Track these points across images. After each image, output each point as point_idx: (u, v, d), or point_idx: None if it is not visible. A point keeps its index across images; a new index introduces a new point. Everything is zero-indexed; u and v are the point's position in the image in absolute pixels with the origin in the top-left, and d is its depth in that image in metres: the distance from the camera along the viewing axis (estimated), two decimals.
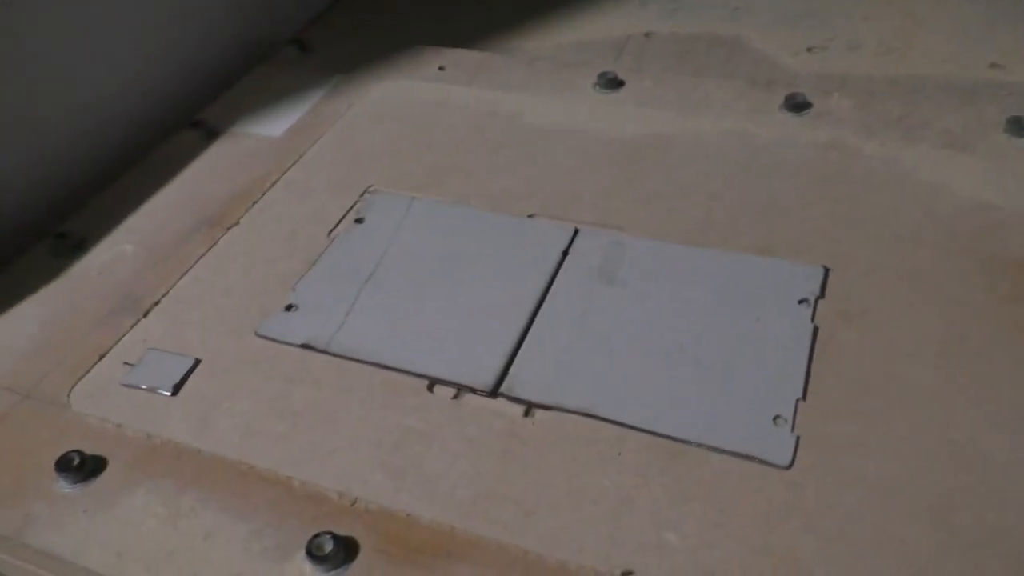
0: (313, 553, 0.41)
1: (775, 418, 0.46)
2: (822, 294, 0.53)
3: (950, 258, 0.54)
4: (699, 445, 0.45)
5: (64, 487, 0.46)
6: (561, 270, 0.56)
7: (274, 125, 0.73)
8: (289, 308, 0.55)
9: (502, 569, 0.41)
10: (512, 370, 0.50)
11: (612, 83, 0.73)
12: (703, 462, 0.44)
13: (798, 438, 0.45)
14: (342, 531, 0.42)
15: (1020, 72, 0.74)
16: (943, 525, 0.41)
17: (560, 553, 0.41)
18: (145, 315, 0.56)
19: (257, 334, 0.54)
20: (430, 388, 0.49)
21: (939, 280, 0.53)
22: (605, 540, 0.41)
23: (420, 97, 0.75)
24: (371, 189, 0.65)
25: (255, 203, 0.64)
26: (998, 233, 0.56)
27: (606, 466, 0.45)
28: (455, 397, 0.49)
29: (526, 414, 0.48)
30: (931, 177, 0.60)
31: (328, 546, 0.41)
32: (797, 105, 0.68)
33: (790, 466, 0.44)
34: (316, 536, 0.41)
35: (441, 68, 0.78)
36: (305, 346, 0.52)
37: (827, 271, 0.54)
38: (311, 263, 0.58)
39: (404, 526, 0.43)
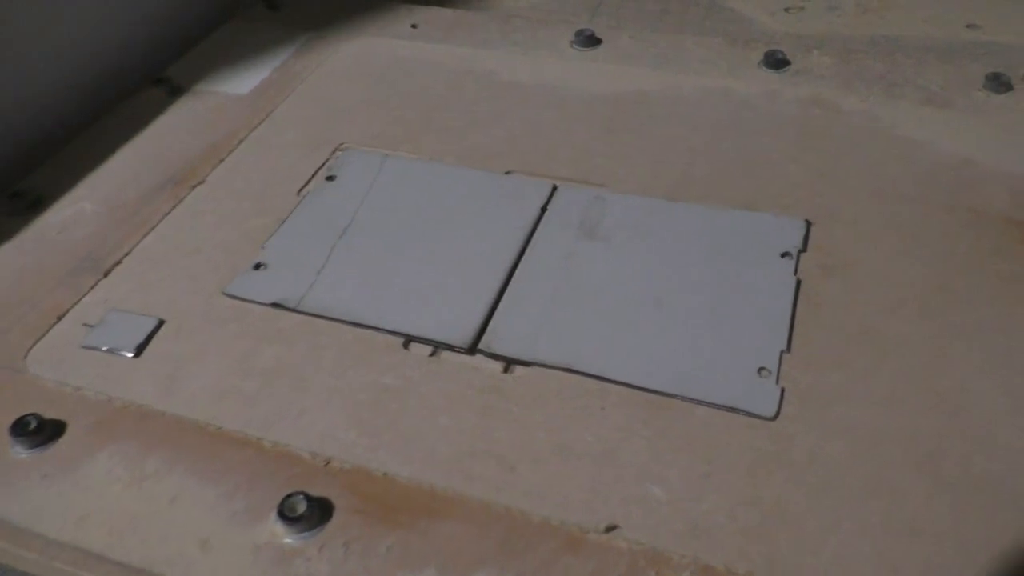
0: (285, 514, 0.39)
1: (760, 370, 0.45)
2: (804, 247, 0.52)
3: (932, 212, 0.54)
4: (683, 398, 0.44)
5: (20, 452, 0.43)
6: (540, 226, 0.55)
7: (242, 82, 0.70)
8: (258, 267, 0.53)
9: (484, 527, 0.39)
10: (491, 326, 0.48)
11: (589, 40, 0.71)
12: (687, 415, 0.43)
13: (783, 389, 0.44)
14: (316, 492, 0.40)
15: (996, 32, 0.74)
16: (931, 473, 0.40)
17: (544, 509, 0.40)
18: (106, 275, 0.53)
19: (224, 293, 0.51)
20: (405, 345, 0.48)
21: (921, 233, 0.52)
22: (589, 495, 0.40)
23: (393, 54, 0.72)
24: (343, 147, 0.63)
25: (222, 161, 0.62)
26: (977, 187, 0.55)
27: (588, 421, 0.43)
28: (432, 355, 0.47)
29: (505, 370, 0.46)
30: (912, 133, 0.60)
31: (301, 507, 0.39)
32: (776, 62, 0.67)
33: (775, 417, 0.43)
34: (288, 497, 0.40)
35: (414, 26, 0.76)
36: (275, 305, 0.50)
37: (809, 224, 0.53)
38: (281, 221, 0.56)
39: (381, 485, 0.41)
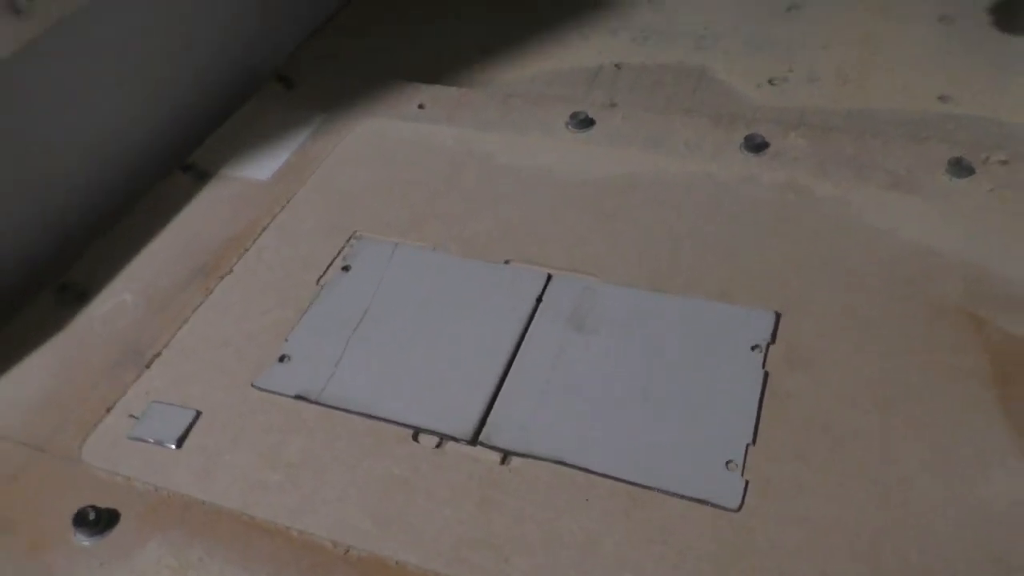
0: None
1: (727, 463, 0.51)
2: (773, 339, 0.57)
3: (892, 303, 0.59)
4: (658, 490, 0.50)
5: (82, 540, 0.50)
6: (536, 316, 0.61)
7: (263, 167, 0.76)
8: (282, 359, 0.59)
9: None
10: (490, 418, 0.54)
11: (584, 123, 0.76)
12: (662, 506, 0.49)
13: (747, 482, 0.50)
14: None
15: (966, 104, 0.79)
16: (872, 564, 0.46)
17: None
18: (148, 367, 0.60)
19: (254, 386, 0.58)
20: (415, 437, 0.54)
21: (881, 326, 0.58)
22: None
23: (401, 136, 0.78)
24: (357, 235, 0.69)
25: (247, 250, 0.68)
26: (936, 278, 0.60)
27: (575, 511, 0.49)
28: (438, 446, 0.54)
29: (503, 461, 0.52)
30: (877, 220, 0.65)
31: None
32: (756, 146, 0.72)
33: (739, 509, 0.49)
34: None
35: (421, 106, 0.81)
36: (298, 397, 0.57)
37: (779, 316, 0.59)
38: (302, 312, 0.62)
39: (395, 573, 0.47)
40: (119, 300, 0.65)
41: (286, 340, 0.61)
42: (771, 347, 0.57)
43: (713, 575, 0.46)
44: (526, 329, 0.60)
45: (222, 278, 0.66)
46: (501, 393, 0.56)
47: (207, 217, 0.72)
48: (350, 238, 0.68)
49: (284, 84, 0.86)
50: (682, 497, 0.49)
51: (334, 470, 0.53)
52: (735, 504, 0.49)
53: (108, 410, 0.57)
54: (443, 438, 0.54)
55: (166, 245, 0.70)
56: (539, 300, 0.62)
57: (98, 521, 0.50)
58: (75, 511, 0.51)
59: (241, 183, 0.75)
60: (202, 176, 0.76)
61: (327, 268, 0.66)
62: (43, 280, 0.67)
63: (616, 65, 0.88)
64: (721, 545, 0.47)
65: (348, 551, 0.49)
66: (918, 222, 0.65)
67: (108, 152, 0.75)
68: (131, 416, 0.57)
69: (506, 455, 0.53)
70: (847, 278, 0.61)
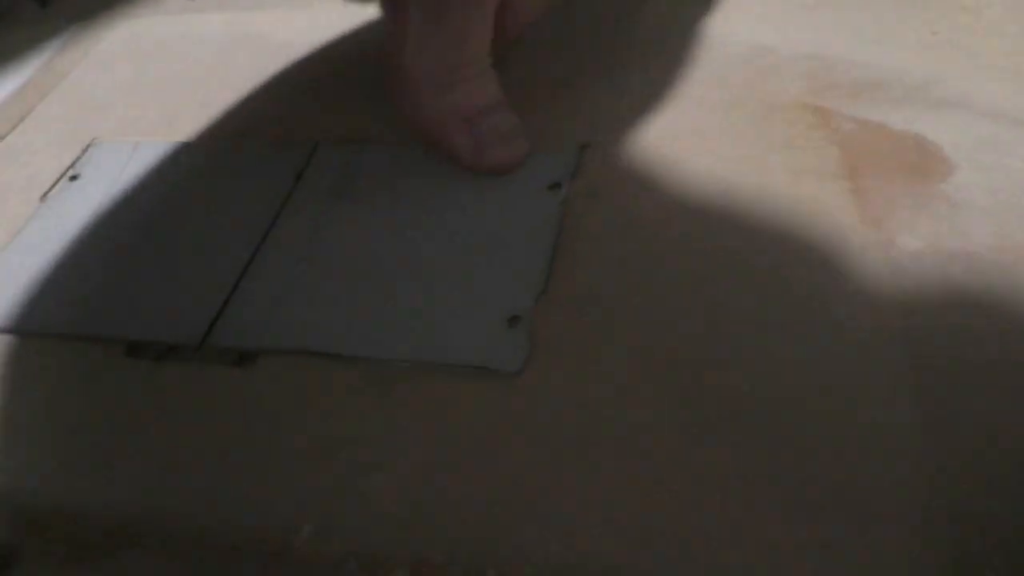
0: None
1: (510, 319, 0.40)
2: (575, 175, 0.46)
3: (720, 112, 0.48)
4: (422, 364, 0.39)
5: None
6: (293, 195, 0.49)
7: None
8: None
9: (177, 553, 0.34)
10: (223, 317, 0.43)
11: None
12: (429, 384, 0.38)
13: (532, 340, 0.39)
14: None
15: None
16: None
17: (247, 522, 0.35)
18: None
19: None
20: (128, 353, 0.42)
21: (709, 137, 0.46)
22: (300, 497, 0.35)
23: (163, 33, 0.66)
24: (95, 142, 0.56)
25: None
26: (774, 76, 0.49)
27: (321, 406, 0.38)
28: (157, 358, 0.42)
29: (238, 363, 0.41)
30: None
31: None
32: None
33: (520, 372, 0.38)
34: None
35: None
36: None
37: (583, 148, 0.47)
38: (14, 235, 0.50)
39: (72, 524, 0.36)
40: None
41: None
42: (573, 183, 0.46)
43: (489, 457, 0.35)
44: (279, 211, 0.48)
45: None
46: (240, 287, 0.44)
47: None
48: (88, 147, 0.56)
49: (37, 1, 0.73)
50: (451, 368, 0.38)
51: (9, 408, 0.41)
52: (515, 367, 0.38)
53: None
54: (164, 350, 0.42)
55: None
56: (299, 177, 0.50)
57: None
58: None
59: None
60: None
61: (55, 183, 0.54)
62: None
63: None
64: (496, 420, 0.36)
65: (21, 503, 0.37)
66: (755, 23, 0.53)
67: None
68: None
69: (241, 356, 0.41)
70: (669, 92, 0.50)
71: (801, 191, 0.42)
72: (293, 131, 0.54)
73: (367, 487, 0.35)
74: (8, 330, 0.44)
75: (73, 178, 0.54)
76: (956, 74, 0.48)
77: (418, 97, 0.46)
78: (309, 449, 0.36)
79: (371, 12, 0.63)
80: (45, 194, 0.53)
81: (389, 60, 0.48)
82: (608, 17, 0.56)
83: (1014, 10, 0.51)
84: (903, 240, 0.39)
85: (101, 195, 0.52)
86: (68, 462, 0.38)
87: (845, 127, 0.45)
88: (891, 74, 0.48)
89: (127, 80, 0.62)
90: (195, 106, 0.58)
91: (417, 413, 0.37)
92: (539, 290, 0.41)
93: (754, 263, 0.40)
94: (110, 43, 0.66)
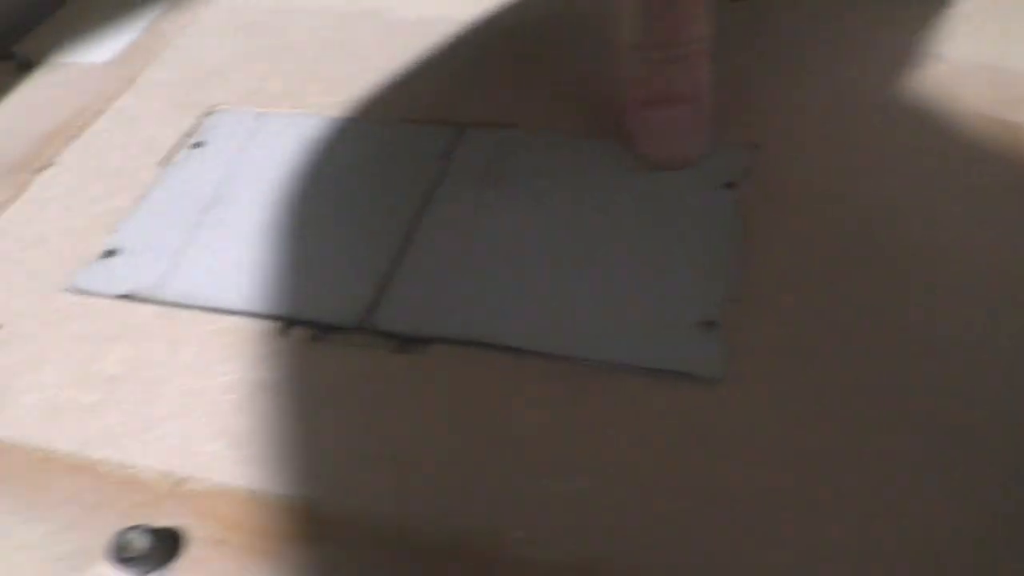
0: (120, 555, 0.31)
1: (702, 324, 0.37)
2: (750, 175, 0.44)
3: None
4: (610, 365, 0.36)
5: None
6: (442, 179, 0.47)
7: (102, 50, 0.61)
8: (110, 254, 0.45)
9: (364, 545, 0.32)
10: (383, 299, 0.40)
11: None
12: (617, 385, 0.36)
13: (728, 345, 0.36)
14: (162, 522, 0.33)
15: None
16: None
17: (450, 522, 0.32)
18: None
19: (69, 288, 0.43)
20: (284, 331, 0.40)
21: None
22: (490, 499, 0.33)
23: (272, 4, 0.63)
24: (214, 109, 0.54)
25: (74, 139, 0.53)
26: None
27: (502, 403, 0.36)
28: (314, 338, 0.39)
29: (400, 350, 0.38)
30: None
31: (139, 543, 0.31)
32: None
33: (721, 378, 0.35)
34: (125, 532, 0.32)
35: None
36: (126, 297, 0.42)
37: (755, 148, 0.45)
38: (139, 200, 0.48)
39: (243, 508, 0.33)
40: None
41: (115, 232, 0.46)
42: (748, 183, 0.44)
43: (693, 468, 0.33)
44: (430, 194, 0.46)
45: (40, 171, 0.51)
46: (396, 269, 0.42)
47: (27, 108, 0.57)
48: (206, 114, 0.54)
49: None
50: (644, 370, 0.36)
51: (170, 383, 0.38)
52: (716, 374, 0.35)
53: None
54: (321, 328, 0.40)
55: None
56: (446, 159, 0.48)
57: None
58: None
59: (73, 69, 0.60)
60: (25, 65, 0.60)
61: (175, 148, 0.51)
62: None
63: None
64: (699, 427, 0.34)
65: (180, 484, 0.34)
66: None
67: None
68: None
69: (404, 341, 0.39)
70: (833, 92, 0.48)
71: (1001, 205, 0.41)
72: (432, 111, 0.51)
73: (572, 493, 0.32)
74: (148, 299, 0.42)
75: (196, 145, 0.51)
76: None
77: (622, 71, 0.44)
78: (500, 448, 0.34)
79: None
80: (166, 159, 0.50)
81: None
82: (807, 17, 0.54)
83: None
84: None
85: (229, 165, 0.49)
86: (227, 440, 0.35)
87: None
88: None
89: (240, 49, 0.59)
90: (319, 79, 0.55)
91: (612, 416, 0.35)
92: (730, 294, 0.38)
93: (962, 269, 0.38)
94: (217, 10, 0.63)
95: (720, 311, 0.38)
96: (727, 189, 0.43)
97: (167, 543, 0.32)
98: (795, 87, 0.49)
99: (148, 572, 0.31)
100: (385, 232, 0.44)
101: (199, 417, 0.37)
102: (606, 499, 0.32)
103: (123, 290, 0.42)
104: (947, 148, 0.44)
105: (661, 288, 0.39)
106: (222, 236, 0.45)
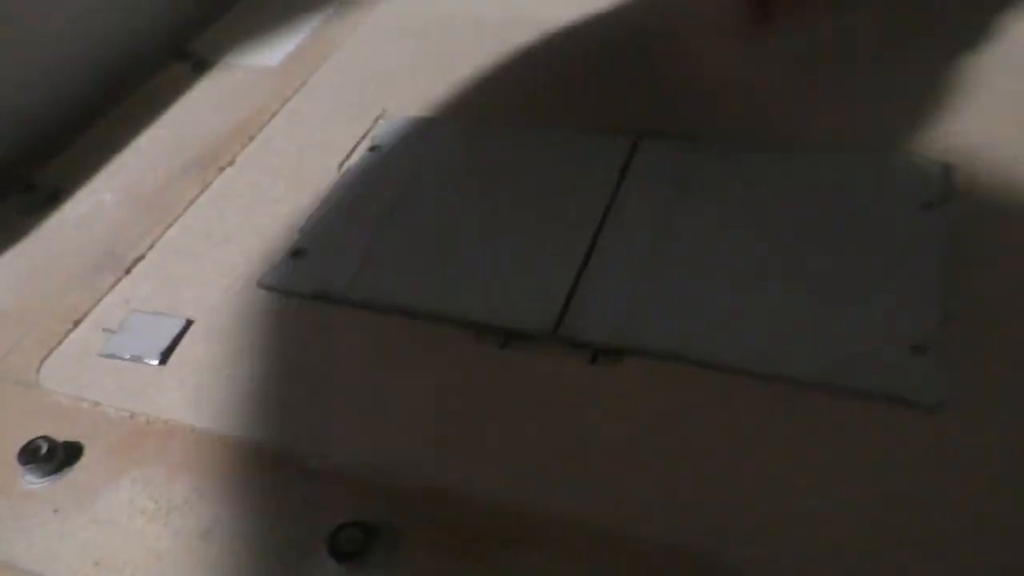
0: (339, 549, 0.32)
1: (914, 348, 0.36)
2: (949, 194, 0.42)
3: None
4: (820, 387, 0.35)
5: (31, 482, 0.37)
6: (624, 185, 0.46)
7: (273, 52, 0.63)
8: (296, 253, 0.46)
9: (580, 555, 0.31)
10: (573, 305, 0.40)
11: None
12: (827, 407, 0.35)
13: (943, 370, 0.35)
14: (374, 519, 0.33)
15: None
16: None
17: (652, 532, 0.32)
18: (127, 272, 0.47)
19: (259, 285, 0.44)
20: (476, 337, 0.40)
21: None
22: (707, 516, 0.32)
23: (434, 12, 0.64)
24: (385, 114, 0.55)
25: (253, 138, 0.55)
26: None
27: (706, 422, 0.35)
28: (504, 345, 0.39)
29: (593, 360, 0.38)
30: None
31: (358, 540, 0.32)
32: None
33: (938, 405, 0.34)
34: (341, 528, 0.32)
35: None
36: (317, 296, 0.43)
37: (949, 168, 0.43)
38: (320, 200, 0.49)
39: (454, 509, 0.33)
40: (97, 200, 0.52)
41: (300, 231, 0.47)
42: (947, 205, 0.42)
43: (909, 496, 0.31)
44: (612, 200, 0.45)
45: (223, 169, 0.53)
46: (584, 278, 0.42)
47: (206, 107, 0.59)
48: (378, 119, 0.55)
49: None
50: (857, 393, 0.35)
51: (367, 383, 0.39)
52: (935, 400, 0.34)
53: (76, 324, 0.44)
54: (511, 334, 0.40)
55: (156, 139, 0.57)
56: (625, 168, 0.47)
57: (52, 456, 0.37)
58: (22, 445, 0.38)
59: (247, 70, 0.62)
60: (201, 65, 0.63)
61: (351, 151, 0.52)
62: (9, 185, 0.54)
63: None
64: (922, 455, 0.32)
65: (390, 482, 0.35)
66: None
67: (90, 40, 0.62)
68: (105, 330, 0.44)
69: (597, 352, 0.38)
70: None
71: None
72: (603, 118, 0.51)
73: (805, 513, 0.31)
74: (340, 300, 0.43)
75: (372, 148, 0.52)
76: None
77: None
78: (710, 465, 0.33)
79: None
80: (342, 163, 0.52)
81: None
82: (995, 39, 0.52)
83: None
84: None
85: (407, 169, 0.50)
86: (430, 442, 0.36)
87: None
88: None
89: (407, 55, 0.60)
90: (485, 87, 0.56)
91: (830, 439, 0.33)
92: (941, 318, 0.37)
93: None
94: (380, 17, 0.65)
95: (935, 335, 0.36)
96: (926, 209, 0.41)
97: (381, 540, 0.32)
98: (980, 107, 0.47)
99: (364, 568, 0.32)
100: (569, 240, 0.43)
101: (398, 419, 0.37)
102: (849, 523, 0.31)
103: (314, 289, 0.43)
104: None
105: (868, 309, 0.38)
106: (408, 239, 0.45)
